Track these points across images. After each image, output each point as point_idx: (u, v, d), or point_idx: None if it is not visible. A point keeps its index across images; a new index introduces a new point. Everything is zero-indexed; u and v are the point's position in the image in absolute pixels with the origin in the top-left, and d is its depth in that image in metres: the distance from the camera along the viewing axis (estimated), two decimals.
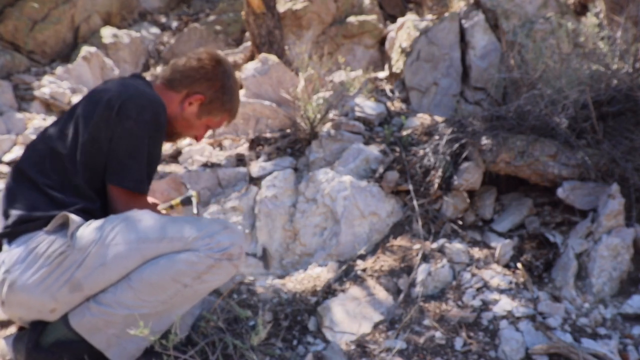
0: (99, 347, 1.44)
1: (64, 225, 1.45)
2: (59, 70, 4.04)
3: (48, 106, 3.65)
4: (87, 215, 1.49)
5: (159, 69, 4.64)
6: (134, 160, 1.54)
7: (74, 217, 1.43)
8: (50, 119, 3.46)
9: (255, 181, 2.52)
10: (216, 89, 1.72)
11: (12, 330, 1.73)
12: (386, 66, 3.67)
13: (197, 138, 1.80)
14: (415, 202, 2.29)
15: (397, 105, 3.13)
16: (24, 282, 1.40)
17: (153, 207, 1.71)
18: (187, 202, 1.86)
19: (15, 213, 1.48)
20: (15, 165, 1.58)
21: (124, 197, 1.54)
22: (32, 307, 1.44)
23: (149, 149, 1.55)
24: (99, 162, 1.53)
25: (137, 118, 1.52)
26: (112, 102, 1.52)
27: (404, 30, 3.48)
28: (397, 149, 2.56)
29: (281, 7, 4.36)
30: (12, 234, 1.46)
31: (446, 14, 3.30)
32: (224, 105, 1.75)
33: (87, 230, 1.43)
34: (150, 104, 1.55)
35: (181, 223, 1.45)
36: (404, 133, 2.68)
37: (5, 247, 1.46)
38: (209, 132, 2.41)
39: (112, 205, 1.55)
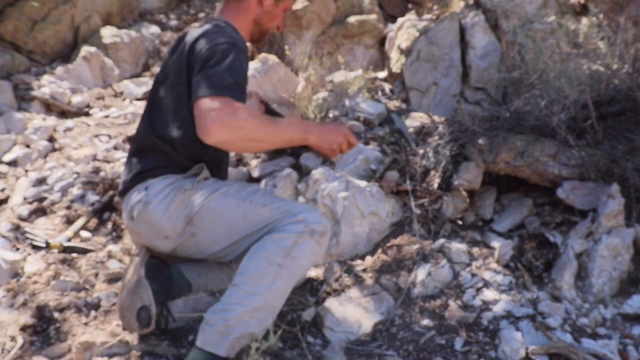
0: (227, 354, 1.51)
1: (196, 175, 1.70)
2: (59, 70, 4.04)
3: (48, 106, 3.65)
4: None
5: (158, 69, 4.65)
6: (221, 71, 1.57)
7: (206, 170, 1.71)
8: (50, 119, 3.47)
9: (256, 181, 2.52)
10: None
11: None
12: (386, 66, 3.67)
13: (279, 27, 1.98)
14: (414, 202, 2.29)
15: (397, 105, 3.13)
16: (155, 205, 1.65)
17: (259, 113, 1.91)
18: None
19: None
20: None
21: (215, 107, 1.51)
22: (152, 228, 1.68)
23: (234, 62, 1.60)
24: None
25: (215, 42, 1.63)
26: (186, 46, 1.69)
27: (404, 30, 3.48)
28: (397, 149, 2.56)
29: None
30: (157, 174, 1.70)
31: (446, 14, 3.30)
32: None
33: (211, 181, 1.70)
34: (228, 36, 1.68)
35: (279, 200, 1.67)
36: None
37: (150, 180, 1.70)
38: None
39: (201, 126, 1.53)
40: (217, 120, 1.46)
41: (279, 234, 1.54)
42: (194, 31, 1.74)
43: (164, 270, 1.76)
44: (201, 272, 1.87)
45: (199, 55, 1.62)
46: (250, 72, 3.04)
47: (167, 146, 1.71)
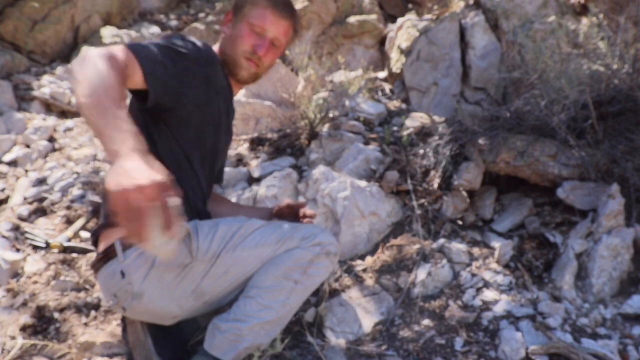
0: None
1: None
2: (59, 70, 4.04)
3: (48, 106, 3.65)
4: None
5: None
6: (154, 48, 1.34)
7: (189, 227, 1.44)
8: (50, 119, 3.46)
9: (256, 181, 2.52)
10: None
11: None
12: (386, 66, 3.67)
13: (254, 48, 1.59)
14: (415, 202, 2.29)
15: (397, 105, 3.13)
16: (150, 295, 1.45)
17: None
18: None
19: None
20: None
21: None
22: (156, 315, 1.51)
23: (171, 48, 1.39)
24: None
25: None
26: None
27: (404, 30, 3.49)
28: (397, 149, 2.56)
29: None
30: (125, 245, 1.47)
31: (446, 14, 3.30)
32: None
33: (207, 240, 1.47)
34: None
35: (288, 227, 1.55)
36: (404, 133, 2.68)
37: (119, 255, 1.46)
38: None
39: None
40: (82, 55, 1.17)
41: (297, 250, 1.52)
42: None
43: (172, 327, 1.61)
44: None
45: None
46: None
47: None
